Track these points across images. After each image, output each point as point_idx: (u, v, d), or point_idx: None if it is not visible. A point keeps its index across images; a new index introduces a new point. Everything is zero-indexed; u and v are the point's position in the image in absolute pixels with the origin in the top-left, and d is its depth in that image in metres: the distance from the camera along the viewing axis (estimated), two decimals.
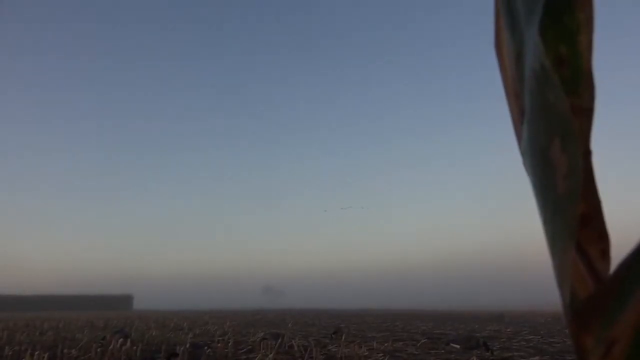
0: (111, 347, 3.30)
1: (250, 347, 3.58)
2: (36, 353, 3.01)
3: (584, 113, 0.27)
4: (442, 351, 3.35)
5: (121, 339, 4.02)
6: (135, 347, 3.39)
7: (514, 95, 0.31)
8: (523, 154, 0.30)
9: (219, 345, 3.62)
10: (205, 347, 3.50)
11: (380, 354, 3.12)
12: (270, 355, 2.96)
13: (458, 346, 3.63)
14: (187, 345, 3.54)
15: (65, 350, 3.30)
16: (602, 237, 0.26)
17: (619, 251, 0.25)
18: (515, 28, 0.31)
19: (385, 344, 3.78)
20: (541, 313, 13.76)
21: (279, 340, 3.94)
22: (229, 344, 3.67)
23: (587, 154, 0.26)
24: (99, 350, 3.26)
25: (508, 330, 5.65)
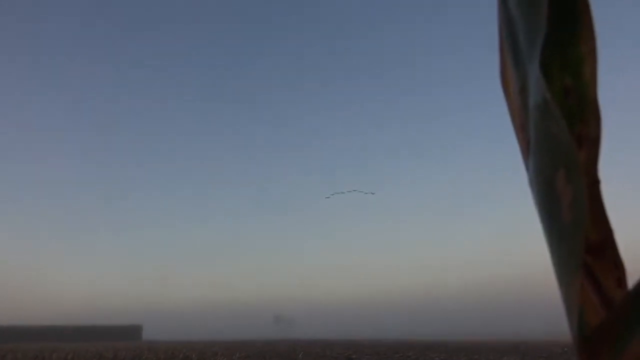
0: None
1: None
2: None
3: (591, 142, 0.28)
4: None
5: None
6: None
7: (521, 127, 0.32)
8: (530, 184, 0.30)
9: None
10: None
11: None
12: None
13: None
14: None
15: None
16: (617, 265, 0.27)
17: None
18: (519, 61, 0.32)
19: None
20: (559, 343, 13.36)
21: None
22: None
23: (595, 183, 0.27)
24: None
25: None
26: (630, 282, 0.26)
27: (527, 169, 0.31)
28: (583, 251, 0.24)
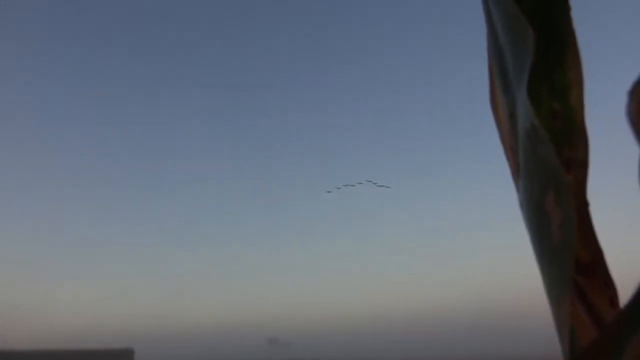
0: None
1: None
2: None
3: (579, 165, 0.29)
4: None
5: None
6: None
7: (511, 150, 0.33)
8: (520, 205, 0.31)
9: None
10: None
11: None
12: None
13: None
14: None
15: None
16: (608, 285, 0.27)
17: None
18: (508, 87, 0.33)
19: None
20: None
21: None
22: None
23: (584, 204, 0.28)
24: None
25: None
26: (622, 302, 0.27)
27: (518, 191, 0.32)
28: (573, 271, 0.25)
